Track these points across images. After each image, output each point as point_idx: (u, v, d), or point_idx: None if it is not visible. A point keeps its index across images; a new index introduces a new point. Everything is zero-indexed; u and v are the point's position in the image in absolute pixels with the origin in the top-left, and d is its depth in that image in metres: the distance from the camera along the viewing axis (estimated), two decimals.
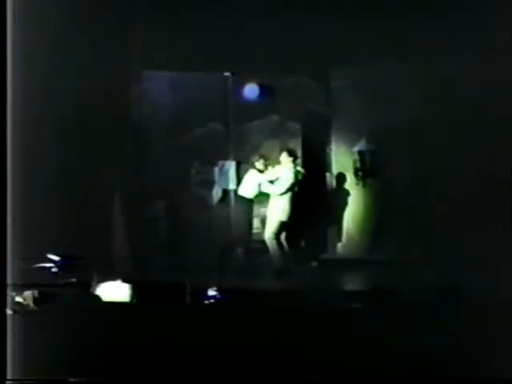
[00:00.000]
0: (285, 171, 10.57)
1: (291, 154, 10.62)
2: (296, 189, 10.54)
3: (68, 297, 7.65)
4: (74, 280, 8.33)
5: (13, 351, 5.85)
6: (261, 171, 10.78)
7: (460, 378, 5.56)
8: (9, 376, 5.78)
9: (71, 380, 5.68)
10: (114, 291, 7.85)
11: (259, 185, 10.68)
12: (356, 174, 11.02)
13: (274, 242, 10.46)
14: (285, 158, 10.60)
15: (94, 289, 7.93)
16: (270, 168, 10.78)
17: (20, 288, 7.39)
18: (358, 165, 10.98)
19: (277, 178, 10.56)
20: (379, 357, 5.76)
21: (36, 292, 7.40)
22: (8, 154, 6.30)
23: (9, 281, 6.32)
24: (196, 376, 5.64)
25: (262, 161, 10.85)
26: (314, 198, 10.90)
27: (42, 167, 9.26)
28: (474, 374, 5.49)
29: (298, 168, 10.69)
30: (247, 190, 10.82)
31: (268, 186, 10.61)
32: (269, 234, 10.52)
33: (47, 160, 9.47)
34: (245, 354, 5.89)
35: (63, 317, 6.84)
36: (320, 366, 5.73)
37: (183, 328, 6.44)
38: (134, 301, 7.74)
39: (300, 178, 10.64)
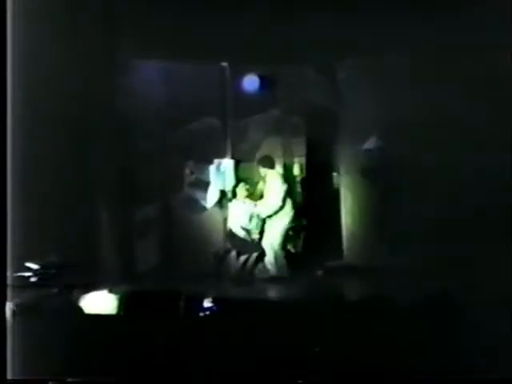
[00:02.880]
0: (272, 185, 10.92)
1: (264, 163, 11.03)
2: (295, 193, 11.00)
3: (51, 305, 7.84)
4: (55, 291, 8.49)
5: (13, 351, 6.28)
6: (247, 197, 11.09)
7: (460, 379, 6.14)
8: (9, 376, 6.21)
9: (71, 380, 6.23)
10: (100, 302, 8.06)
11: (252, 215, 10.99)
12: (365, 174, 10.97)
13: (277, 250, 10.82)
14: (263, 171, 11.02)
15: (78, 300, 8.05)
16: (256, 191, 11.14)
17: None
18: (368, 164, 10.91)
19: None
20: (384, 365, 6.29)
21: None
22: None
23: (9, 281, 6.84)
24: None
25: (242, 186, 11.12)
26: (318, 201, 11.13)
27: (28, 166, 9.17)
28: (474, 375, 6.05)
29: (283, 173, 11.11)
30: (242, 223, 11.02)
31: (262, 210, 10.92)
32: (272, 241, 10.86)
33: (30, 159, 9.38)
34: (244, 368, 6.33)
35: (63, 317, 7.34)
36: (325, 378, 6.20)
37: (176, 342, 6.75)
38: (122, 312, 7.88)
39: (292, 179, 11.11)
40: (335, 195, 11.44)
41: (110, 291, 8.29)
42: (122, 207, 10.68)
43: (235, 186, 11.13)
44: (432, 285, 8.41)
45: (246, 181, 11.22)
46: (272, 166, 11.08)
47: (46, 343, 6.58)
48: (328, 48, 10.39)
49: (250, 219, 11.01)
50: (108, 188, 10.52)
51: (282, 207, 10.89)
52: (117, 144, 10.57)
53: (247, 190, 11.16)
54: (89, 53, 9.89)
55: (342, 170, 11.45)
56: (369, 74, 10.76)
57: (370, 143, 11.07)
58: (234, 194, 11.17)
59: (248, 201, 11.11)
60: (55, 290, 8.41)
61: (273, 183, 11.01)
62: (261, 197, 11.13)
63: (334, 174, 11.50)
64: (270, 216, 10.92)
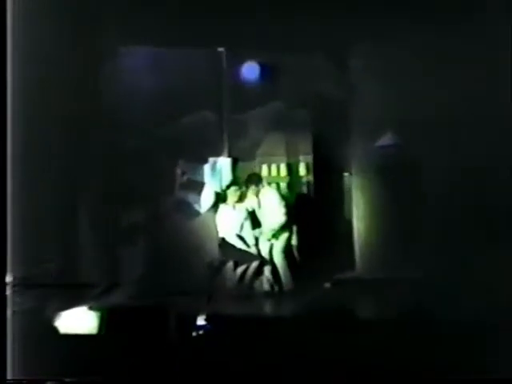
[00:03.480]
0: (269, 202, 10.67)
1: (253, 182, 10.83)
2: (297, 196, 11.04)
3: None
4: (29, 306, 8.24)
5: (13, 351, 6.63)
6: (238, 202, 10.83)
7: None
8: (9, 376, 6.57)
9: (69, 380, 6.53)
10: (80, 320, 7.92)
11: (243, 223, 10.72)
12: (379, 174, 10.70)
13: (280, 260, 10.60)
14: (253, 189, 10.81)
15: (54, 317, 7.89)
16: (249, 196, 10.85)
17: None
18: (382, 163, 10.65)
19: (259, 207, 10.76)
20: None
21: None
22: None
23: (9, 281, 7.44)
24: None
25: (235, 190, 10.81)
26: (327, 204, 10.98)
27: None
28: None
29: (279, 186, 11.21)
30: (236, 231, 10.73)
31: (266, 232, 10.68)
32: (273, 251, 10.66)
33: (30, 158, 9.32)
34: None
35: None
36: None
37: (166, 364, 6.73)
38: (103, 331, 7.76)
39: (297, 180, 11.25)
40: (346, 198, 11.36)
41: (91, 307, 8.16)
42: (103, 212, 10.39)
43: (227, 189, 10.95)
44: (458, 300, 8.28)
45: (238, 184, 10.99)
46: (261, 184, 10.98)
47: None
48: (337, 33, 10.09)
49: (242, 227, 10.78)
50: (91, 192, 10.30)
51: (286, 221, 10.74)
52: (100, 141, 10.35)
53: (239, 196, 10.91)
54: (88, 52, 10.00)
55: (353, 170, 11.27)
56: (383, 62, 10.45)
57: (385, 140, 10.85)
58: (224, 197, 10.97)
59: (238, 206, 10.86)
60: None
61: (270, 200, 10.83)
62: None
63: (345, 174, 11.39)
64: (275, 235, 10.78)
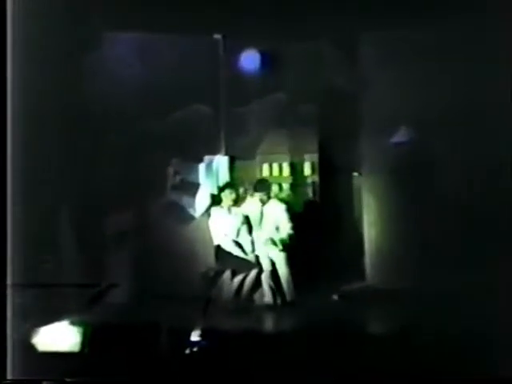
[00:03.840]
0: (276, 215, 10.41)
1: (262, 188, 10.58)
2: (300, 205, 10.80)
3: None
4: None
5: (13, 351, 6.90)
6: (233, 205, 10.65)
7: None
8: (9, 376, 6.83)
9: (70, 380, 6.64)
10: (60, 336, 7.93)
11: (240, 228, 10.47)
12: (393, 174, 10.49)
13: (282, 269, 10.33)
14: (260, 196, 10.58)
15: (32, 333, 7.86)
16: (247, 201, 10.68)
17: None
18: (397, 162, 10.42)
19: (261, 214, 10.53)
20: None
21: None
22: None
23: (9, 281, 7.40)
24: None
25: (230, 193, 10.62)
26: (334, 208, 10.76)
27: None
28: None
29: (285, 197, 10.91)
30: (233, 236, 10.47)
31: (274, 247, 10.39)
32: (274, 259, 10.41)
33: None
34: None
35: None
36: None
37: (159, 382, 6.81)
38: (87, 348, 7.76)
39: (302, 181, 11.10)
40: (355, 201, 11.15)
41: (73, 322, 8.12)
42: (88, 216, 10.14)
43: (221, 190, 10.73)
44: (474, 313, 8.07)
45: (234, 185, 10.81)
46: (270, 191, 10.79)
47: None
48: (347, 18, 9.86)
49: (238, 233, 10.57)
50: (74, 194, 10.05)
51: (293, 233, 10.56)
52: (85, 137, 10.10)
53: (235, 198, 10.68)
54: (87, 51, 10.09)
55: (363, 170, 11.06)
56: (397, 51, 10.28)
57: (398, 136, 10.67)
58: (219, 200, 10.77)
59: (234, 210, 10.64)
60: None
61: (276, 212, 10.58)
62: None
63: (354, 174, 11.16)
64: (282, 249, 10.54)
